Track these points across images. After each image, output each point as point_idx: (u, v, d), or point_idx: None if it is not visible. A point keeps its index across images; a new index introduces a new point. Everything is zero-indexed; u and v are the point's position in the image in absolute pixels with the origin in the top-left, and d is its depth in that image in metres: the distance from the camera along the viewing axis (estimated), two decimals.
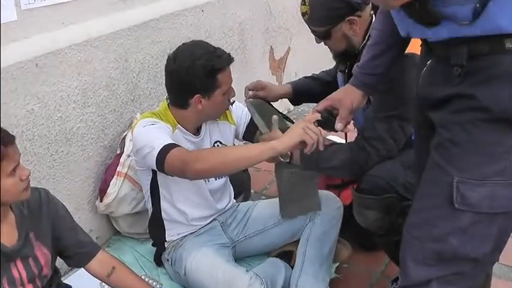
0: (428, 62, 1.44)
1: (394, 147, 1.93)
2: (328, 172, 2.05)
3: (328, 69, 2.46)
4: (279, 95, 2.37)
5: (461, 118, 1.31)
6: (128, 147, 2.40)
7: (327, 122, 1.89)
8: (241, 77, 3.36)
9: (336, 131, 1.89)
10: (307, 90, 2.44)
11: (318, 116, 1.87)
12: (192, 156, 1.81)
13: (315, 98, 2.17)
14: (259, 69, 3.66)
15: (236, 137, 2.27)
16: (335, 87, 2.08)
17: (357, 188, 1.97)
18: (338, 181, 2.42)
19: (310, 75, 2.51)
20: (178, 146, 1.86)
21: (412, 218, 1.45)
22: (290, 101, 2.49)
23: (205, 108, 1.99)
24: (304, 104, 4.38)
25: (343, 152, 1.96)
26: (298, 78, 2.55)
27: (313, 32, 2.08)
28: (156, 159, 1.84)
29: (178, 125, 2.04)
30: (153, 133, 1.91)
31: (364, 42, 2.00)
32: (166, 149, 1.83)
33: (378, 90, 1.85)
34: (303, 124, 1.80)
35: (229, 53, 1.99)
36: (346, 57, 2.12)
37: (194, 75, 1.91)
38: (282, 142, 1.77)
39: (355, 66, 1.84)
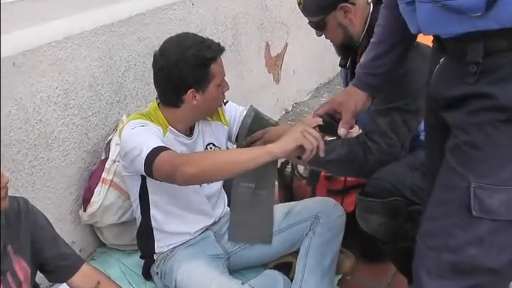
0: (441, 59, 1.44)
1: (396, 142, 1.93)
2: (326, 167, 2.05)
3: None
4: None
5: (478, 119, 1.31)
6: (114, 151, 2.40)
7: (328, 126, 1.89)
8: (235, 75, 3.36)
9: (339, 137, 1.88)
10: None
11: (319, 121, 1.86)
12: (182, 159, 1.81)
13: None
14: (254, 67, 3.66)
15: (229, 139, 2.28)
16: None
17: (361, 191, 1.98)
18: (340, 186, 2.43)
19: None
20: (169, 149, 1.86)
21: (426, 226, 1.44)
22: None
23: (201, 104, 1.99)
24: (302, 103, 4.41)
25: (343, 147, 1.96)
26: None
27: (309, 23, 2.12)
28: (145, 162, 1.84)
29: (170, 127, 2.04)
30: (142, 135, 1.91)
31: (364, 32, 2.03)
32: (156, 151, 1.83)
33: (382, 91, 1.85)
34: (302, 127, 1.79)
35: (219, 43, 2.01)
36: (347, 50, 2.14)
37: (185, 68, 1.92)
38: (278, 146, 1.77)
39: (358, 66, 1.85)
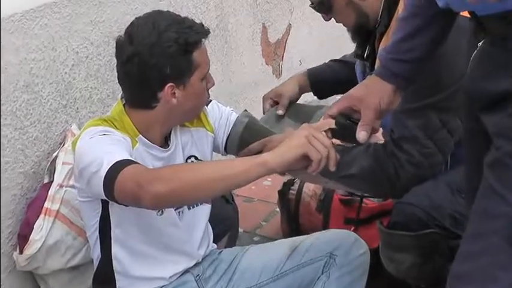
0: (480, 43, 1.48)
1: (434, 151, 1.96)
2: (346, 183, 2.09)
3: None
4: (296, 91, 2.54)
5: None
6: (60, 173, 2.38)
7: (344, 130, 1.90)
8: (220, 69, 3.40)
9: (358, 143, 1.89)
10: (330, 77, 2.59)
11: (331, 123, 1.88)
12: (150, 175, 1.83)
13: (342, 87, 2.27)
14: (246, 58, 3.70)
15: (215, 149, 2.28)
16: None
17: (387, 222, 2.03)
18: (361, 214, 2.47)
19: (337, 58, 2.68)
20: (137, 163, 1.87)
21: (458, 266, 1.47)
22: (315, 94, 2.68)
23: (182, 103, 2.00)
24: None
25: (366, 158, 2.00)
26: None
27: (311, 5, 2.20)
28: (104, 180, 1.84)
29: (140, 135, 2.04)
30: (103, 146, 1.91)
31: (382, 7, 2.04)
32: (119, 166, 1.82)
33: (415, 82, 1.85)
34: (307, 132, 1.81)
35: (201, 23, 2.02)
36: (363, 34, 2.16)
37: (163, 56, 1.94)
38: (276, 155, 1.79)
39: (380, 48, 1.88)
